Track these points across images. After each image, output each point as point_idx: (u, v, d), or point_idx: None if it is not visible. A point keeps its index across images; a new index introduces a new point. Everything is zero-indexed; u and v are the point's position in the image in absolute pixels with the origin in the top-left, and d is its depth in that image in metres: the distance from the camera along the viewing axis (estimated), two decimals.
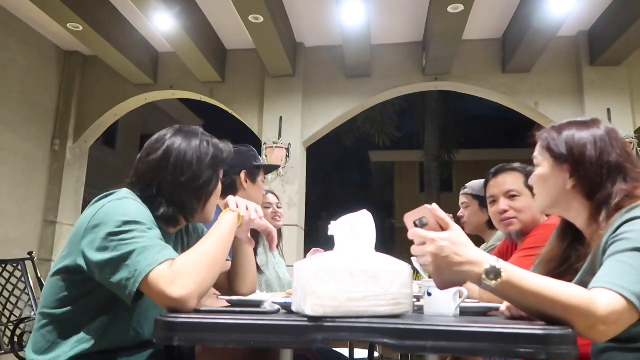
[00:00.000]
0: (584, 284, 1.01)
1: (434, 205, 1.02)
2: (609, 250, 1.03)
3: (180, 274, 1.07)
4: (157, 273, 1.07)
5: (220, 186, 1.42)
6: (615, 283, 0.94)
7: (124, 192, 1.26)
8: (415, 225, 1.02)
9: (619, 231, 1.05)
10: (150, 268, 1.07)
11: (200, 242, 1.19)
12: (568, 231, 1.31)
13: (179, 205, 1.31)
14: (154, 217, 1.25)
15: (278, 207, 2.91)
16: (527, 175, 1.89)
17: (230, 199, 1.35)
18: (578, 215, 1.23)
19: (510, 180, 1.96)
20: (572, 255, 1.28)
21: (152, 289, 1.06)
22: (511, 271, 0.93)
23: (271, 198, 2.90)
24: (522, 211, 1.91)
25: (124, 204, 1.19)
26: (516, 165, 2.01)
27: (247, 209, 1.33)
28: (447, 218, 1.00)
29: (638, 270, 0.96)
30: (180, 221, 1.36)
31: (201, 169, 1.33)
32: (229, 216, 1.28)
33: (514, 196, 1.93)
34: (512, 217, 1.92)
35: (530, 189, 1.95)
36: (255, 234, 2.67)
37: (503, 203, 1.94)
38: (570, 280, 1.12)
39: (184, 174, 1.30)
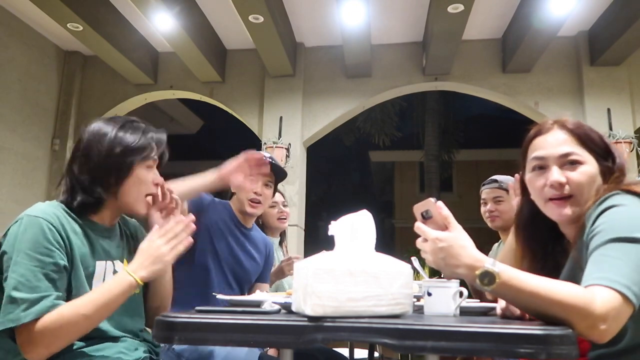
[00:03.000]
0: (572, 279, 1.00)
1: (439, 203, 1.02)
2: (591, 245, 1.02)
3: (41, 335, 1.11)
4: (18, 330, 1.12)
5: (142, 177, 1.36)
6: (604, 277, 0.93)
7: (36, 210, 1.25)
8: (422, 217, 1.05)
9: (595, 224, 1.04)
10: (12, 325, 1.11)
11: (84, 299, 1.18)
12: (546, 235, 1.27)
13: (89, 192, 1.31)
14: (74, 210, 1.28)
15: (284, 206, 2.69)
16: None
17: (140, 250, 1.28)
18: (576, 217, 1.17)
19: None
20: (555, 252, 1.25)
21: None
22: (507, 274, 0.94)
23: (276, 196, 2.60)
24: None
25: (24, 231, 1.20)
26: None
27: (148, 264, 1.26)
28: (450, 217, 1.01)
29: (623, 260, 0.95)
30: (102, 209, 1.34)
31: (102, 158, 1.32)
32: (124, 281, 1.22)
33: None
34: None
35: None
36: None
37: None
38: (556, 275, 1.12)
39: (87, 163, 1.32)
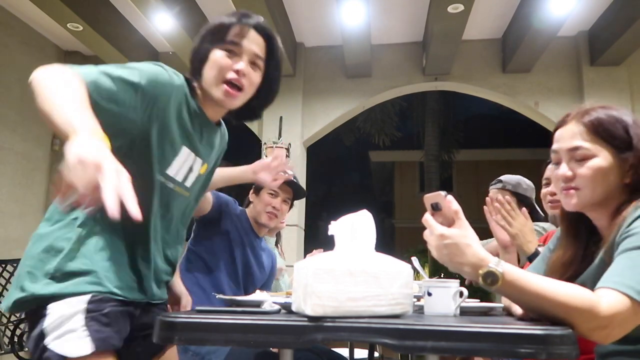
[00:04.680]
0: (596, 277, 0.98)
1: (450, 197, 1.01)
2: (621, 247, 1.00)
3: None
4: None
5: (215, 59, 1.28)
6: (621, 282, 0.92)
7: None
8: (432, 208, 1.03)
9: (631, 226, 1.01)
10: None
11: (70, 94, 0.96)
12: (582, 229, 1.21)
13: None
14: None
15: None
16: None
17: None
18: (607, 212, 1.13)
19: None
20: (592, 253, 1.18)
21: None
22: (511, 274, 0.93)
23: None
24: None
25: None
26: None
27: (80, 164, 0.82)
28: (459, 212, 1.00)
29: None
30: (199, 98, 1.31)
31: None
32: (83, 128, 0.88)
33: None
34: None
35: None
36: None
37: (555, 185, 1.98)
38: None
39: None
